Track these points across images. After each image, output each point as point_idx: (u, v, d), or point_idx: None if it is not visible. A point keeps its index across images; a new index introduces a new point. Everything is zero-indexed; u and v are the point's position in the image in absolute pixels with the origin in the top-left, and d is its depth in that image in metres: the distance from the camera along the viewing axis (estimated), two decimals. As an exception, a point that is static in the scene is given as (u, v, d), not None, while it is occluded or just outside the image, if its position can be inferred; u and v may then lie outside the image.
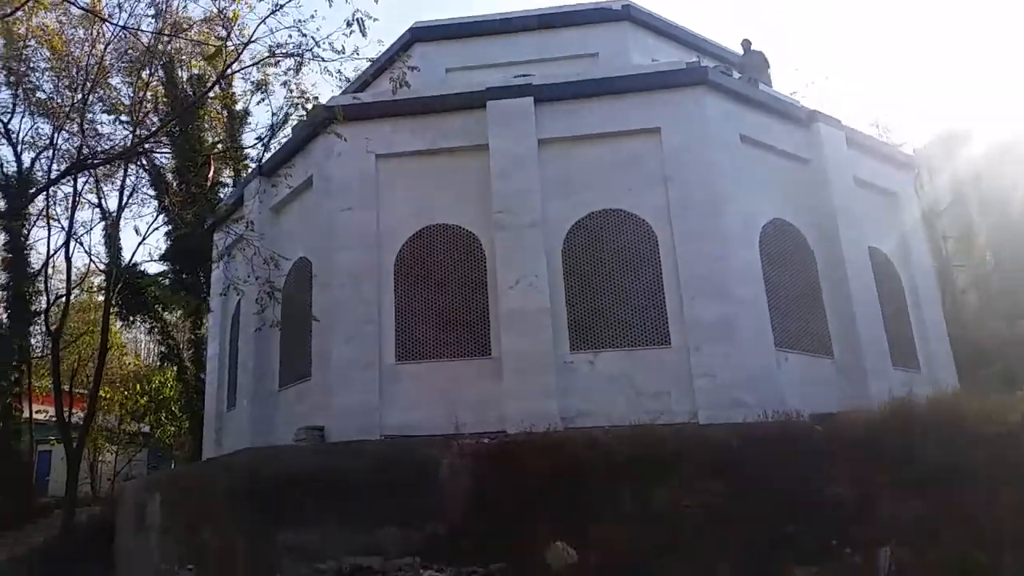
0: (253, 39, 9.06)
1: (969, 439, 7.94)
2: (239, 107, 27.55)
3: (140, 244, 46.35)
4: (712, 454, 9.49)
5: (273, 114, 26.49)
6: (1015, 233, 22.69)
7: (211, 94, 19.67)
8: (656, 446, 9.69)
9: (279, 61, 9.25)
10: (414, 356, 12.80)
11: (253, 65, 9.45)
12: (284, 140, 15.57)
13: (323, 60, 8.61)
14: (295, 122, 15.24)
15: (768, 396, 11.81)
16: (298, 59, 8.84)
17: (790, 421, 9.75)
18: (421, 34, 16.58)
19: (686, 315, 12.17)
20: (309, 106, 10.34)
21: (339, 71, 9.49)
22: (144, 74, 16.25)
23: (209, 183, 27.01)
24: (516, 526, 9.79)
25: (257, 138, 27.26)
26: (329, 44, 8.43)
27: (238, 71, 15.73)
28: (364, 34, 8.21)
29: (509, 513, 9.90)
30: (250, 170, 17.96)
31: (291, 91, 9.24)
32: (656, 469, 9.59)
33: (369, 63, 13.94)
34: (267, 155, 25.95)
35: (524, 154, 12.73)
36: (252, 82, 23.21)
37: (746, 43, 16.58)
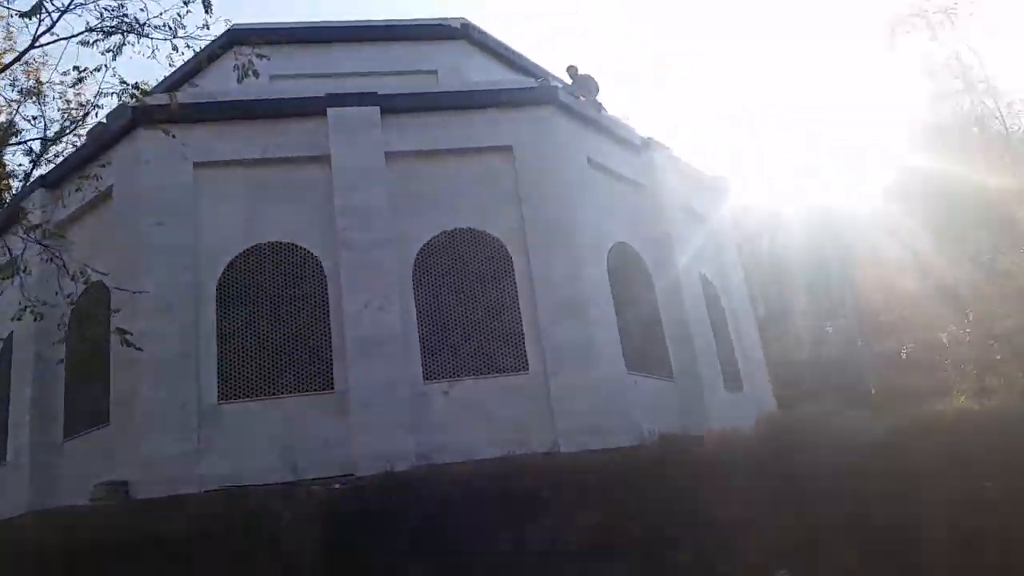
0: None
1: (843, 451, 8.09)
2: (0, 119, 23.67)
3: None
4: (587, 483, 8.97)
5: (55, 120, 22.80)
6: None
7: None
8: (527, 479, 8.99)
9: (97, 40, 7.52)
10: (241, 394, 11.12)
11: (63, 39, 7.59)
12: (71, 147, 13.09)
13: (152, 38, 7.06)
14: (91, 124, 12.96)
15: (623, 421, 11.64)
16: (124, 33, 7.20)
17: (665, 444, 9.50)
18: (241, 35, 14.85)
19: (543, 338, 11.71)
20: (122, 99, 8.58)
21: (171, 54, 7.88)
22: None
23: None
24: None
25: (30, 144, 23.54)
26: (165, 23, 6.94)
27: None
28: (208, 9, 6.86)
29: (373, 568, 8.69)
30: (30, 181, 15.02)
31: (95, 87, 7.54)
32: (530, 504, 8.89)
33: (184, 62, 12.27)
34: (39, 169, 22.58)
35: (371, 167, 11.69)
36: (20, 89, 19.95)
37: (572, 69, 16.64)
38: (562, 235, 12.25)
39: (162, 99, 11.26)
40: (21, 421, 12.43)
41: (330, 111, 11.81)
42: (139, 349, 8.00)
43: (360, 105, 11.89)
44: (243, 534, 9.26)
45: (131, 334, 7.75)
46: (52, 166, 19.32)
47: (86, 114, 18.51)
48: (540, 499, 8.85)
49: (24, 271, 7.68)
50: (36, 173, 19.59)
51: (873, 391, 23.10)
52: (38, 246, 8.14)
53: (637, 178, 14.62)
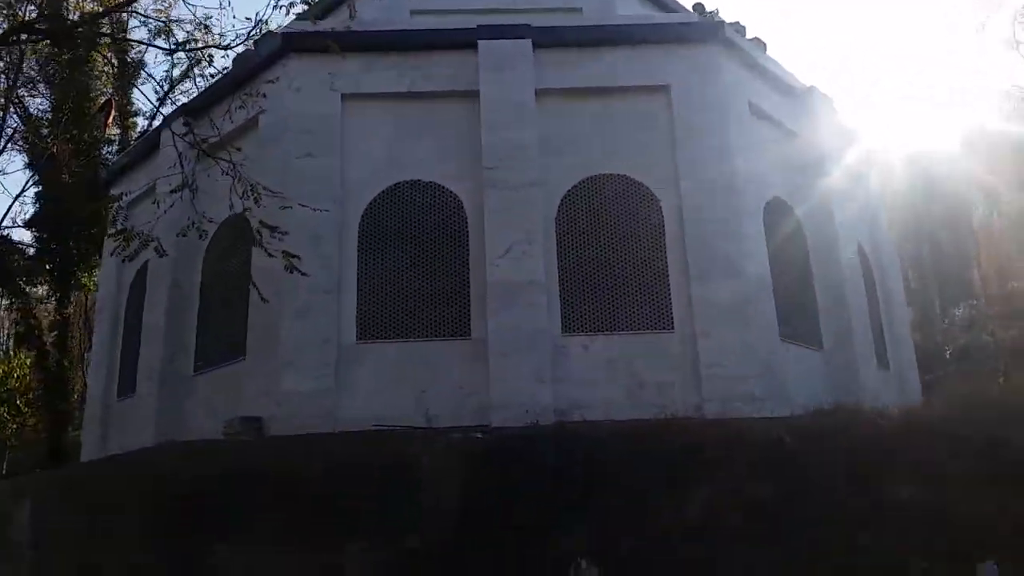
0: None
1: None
2: (133, 55, 24.22)
3: (13, 203, 40.01)
4: (760, 452, 8.16)
5: (180, 58, 23.08)
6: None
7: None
8: (693, 442, 8.25)
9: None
10: (379, 335, 10.79)
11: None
12: (215, 75, 12.95)
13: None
14: (229, 55, 12.74)
15: (777, 388, 10.75)
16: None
17: (849, 413, 8.56)
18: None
19: (694, 296, 10.86)
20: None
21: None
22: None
23: (102, 133, 23.49)
24: (523, 542, 8.09)
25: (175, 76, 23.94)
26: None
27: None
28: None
29: (514, 526, 8.18)
30: (168, 111, 15.11)
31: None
32: (695, 470, 8.16)
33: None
34: (166, 107, 22.96)
35: (522, 103, 11.01)
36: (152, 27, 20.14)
37: (699, 7, 15.30)
38: (720, 186, 11.29)
39: (304, 26, 10.91)
40: (153, 352, 12.54)
41: (481, 44, 11.16)
42: (304, 274, 7.62)
43: (512, 38, 11.17)
44: (382, 477, 8.95)
45: (298, 257, 7.39)
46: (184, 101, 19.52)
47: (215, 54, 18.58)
48: (709, 465, 8.11)
49: (191, 185, 7.41)
50: (164, 111, 19.82)
51: (1001, 380, 21.27)
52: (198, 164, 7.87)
53: (796, 128, 13.39)
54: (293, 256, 7.21)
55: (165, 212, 8.42)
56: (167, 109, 21.92)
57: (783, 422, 8.67)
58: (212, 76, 14.82)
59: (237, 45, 8.63)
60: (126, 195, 12.68)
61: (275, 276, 10.80)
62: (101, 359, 14.49)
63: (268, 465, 8.99)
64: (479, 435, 9.10)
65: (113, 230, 7.12)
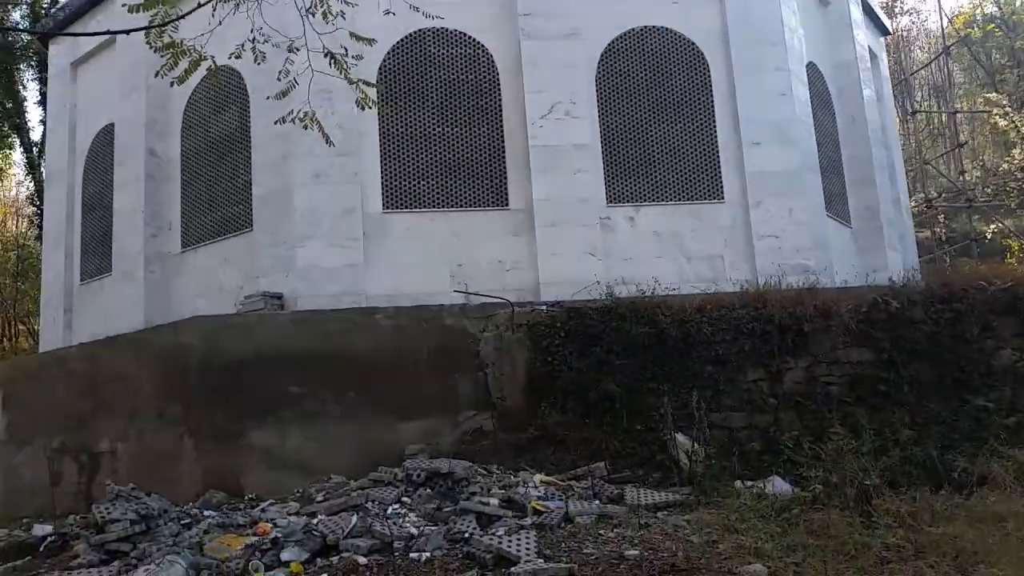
0: None
1: None
2: None
3: None
4: (860, 318, 7.64)
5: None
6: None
7: None
8: (787, 311, 7.67)
9: None
10: (407, 204, 9.65)
11: None
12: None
13: None
14: None
15: (825, 264, 10.28)
16: None
17: (948, 278, 8.11)
18: None
19: (746, 163, 10.12)
20: None
21: None
22: None
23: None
24: (605, 417, 7.48)
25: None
26: None
27: None
28: None
29: (592, 403, 7.54)
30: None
31: None
32: (790, 339, 7.63)
33: None
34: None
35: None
36: None
37: None
38: (771, 43, 10.42)
39: None
40: (129, 228, 11.00)
41: None
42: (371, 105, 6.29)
43: None
44: (440, 352, 8.10)
45: (375, 85, 6.15)
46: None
47: None
48: (802, 331, 7.58)
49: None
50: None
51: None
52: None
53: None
54: (369, 83, 5.97)
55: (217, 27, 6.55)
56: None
57: (876, 290, 8.16)
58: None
59: None
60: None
61: (282, 138, 9.54)
62: (56, 239, 12.71)
63: (309, 340, 7.98)
64: (544, 308, 8.27)
65: (159, 43, 5.59)
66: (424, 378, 8.02)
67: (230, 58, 6.00)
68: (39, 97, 22.51)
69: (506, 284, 9.32)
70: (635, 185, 10.03)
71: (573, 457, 7.27)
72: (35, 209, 21.69)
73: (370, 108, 6.27)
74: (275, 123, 6.49)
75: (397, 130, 9.71)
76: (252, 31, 5.93)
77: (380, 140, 9.66)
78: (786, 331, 7.55)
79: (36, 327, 26.71)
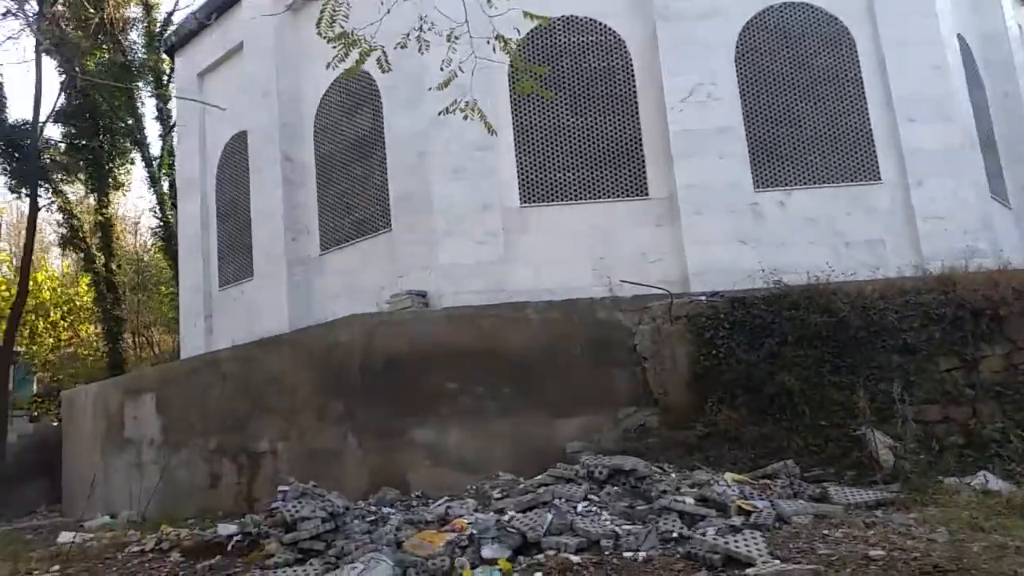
0: None
1: None
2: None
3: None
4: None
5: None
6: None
7: None
8: (978, 296, 7.04)
9: None
10: (544, 197, 9.45)
11: None
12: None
13: None
14: None
15: (993, 246, 9.48)
16: None
17: None
18: None
19: (904, 142, 9.46)
20: None
21: None
22: None
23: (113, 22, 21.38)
24: (785, 412, 7.03)
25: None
26: None
27: None
28: None
29: (770, 397, 7.10)
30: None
31: None
32: (981, 322, 7.00)
33: None
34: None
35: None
36: None
37: None
38: (921, 14, 9.73)
39: None
40: (270, 233, 11.20)
41: None
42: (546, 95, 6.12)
43: None
44: (594, 347, 7.84)
45: (544, 69, 6.00)
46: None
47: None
48: (994, 319, 6.95)
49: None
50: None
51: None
52: None
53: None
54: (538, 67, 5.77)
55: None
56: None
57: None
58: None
59: None
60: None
61: (418, 136, 9.51)
62: (192, 247, 13.15)
63: (466, 337, 7.86)
64: (703, 298, 7.89)
65: (330, 33, 5.54)
66: (579, 373, 7.78)
67: (395, 48, 5.90)
68: (156, 112, 23.67)
69: (649, 276, 8.95)
70: (784, 168, 9.53)
71: (752, 455, 6.86)
72: (158, 221, 22.61)
73: (535, 93, 6.06)
74: (439, 113, 6.38)
75: (530, 122, 9.53)
76: (420, 18, 5.83)
77: (514, 133, 9.50)
78: (980, 316, 6.92)
79: (155, 338, 28.05)
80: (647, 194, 9.45)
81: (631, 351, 7.86)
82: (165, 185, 23.45)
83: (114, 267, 23.72)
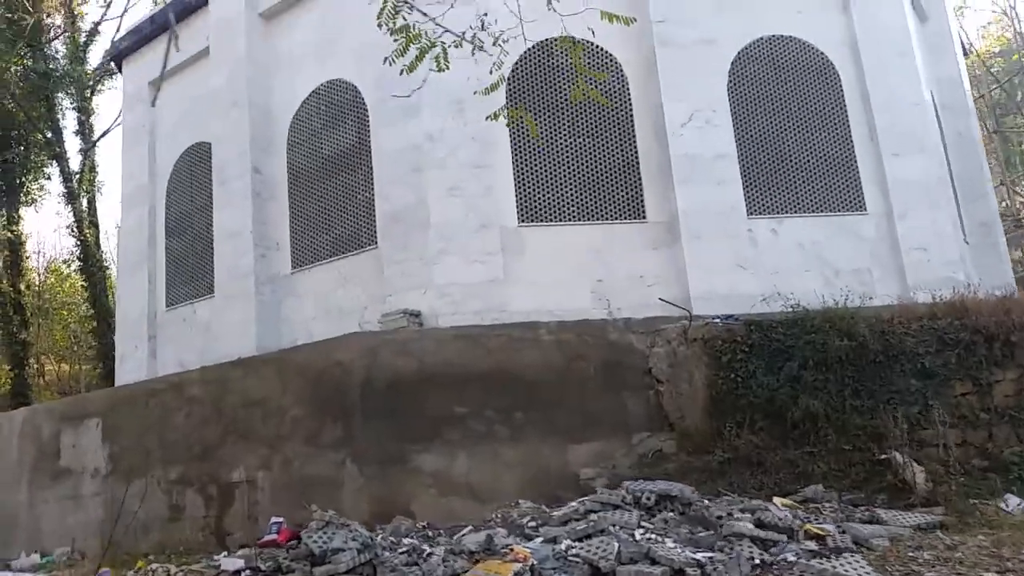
0: None
1: None
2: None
3: None
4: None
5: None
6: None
7: None
8: (992, 321, 7.16)
9: None
10: (541, 216, 9.17)
11: None
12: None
13: None
14: None
15: (971, 276, 9.83)
16: None
17: None
18: None
19: (888, 174, 9.72)
20: None
21: None
22: None
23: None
24: (807, 435, 6.91)
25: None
26: None
27: None
28: None
29: (794, 421, 6.98)
30: None
31: None
32: (994, 346, 7.11)
33: None
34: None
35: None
36: None
37: None
38: (900, 53, 10.10)
39: None
40: (236, 249, 10.43)
41: None
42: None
43: None
44: (607, 369, 7.54)
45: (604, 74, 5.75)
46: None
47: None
48: (1006, 344, 7.07)
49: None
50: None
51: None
52: None
53: (926, 7, 12.25)
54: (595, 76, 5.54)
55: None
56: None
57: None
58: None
59: None
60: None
61: (411, 150, 9.11)
62: (136, 264, 12.15)
63: (471, 358, 7.41)
64: (718, 320, 7.74)
65: (391, 25, 5.09)
66: (591, 397, 7.45)
67: (450, 47, 5.53)
68: (77, 126, 22.17)
69: (648, 299, 8.81)
70: (775, 196, 9.59)
71: (776, 480, 6.68)
72: (75, 241, 21.03)
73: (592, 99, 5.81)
74: (486, 118, 5.97)
75: (528, 141, 9.28)
76: (480, 16, 5.49)
77: (512, 151, 9.22)
78: (993, 341, 7.03)
79: (56, 367, 25.84)
80: (644, 217, 9.32)
81: (644, 374, 7.60)
82: (84, 202, 21.96)
83: (22, 287, 21.95)
